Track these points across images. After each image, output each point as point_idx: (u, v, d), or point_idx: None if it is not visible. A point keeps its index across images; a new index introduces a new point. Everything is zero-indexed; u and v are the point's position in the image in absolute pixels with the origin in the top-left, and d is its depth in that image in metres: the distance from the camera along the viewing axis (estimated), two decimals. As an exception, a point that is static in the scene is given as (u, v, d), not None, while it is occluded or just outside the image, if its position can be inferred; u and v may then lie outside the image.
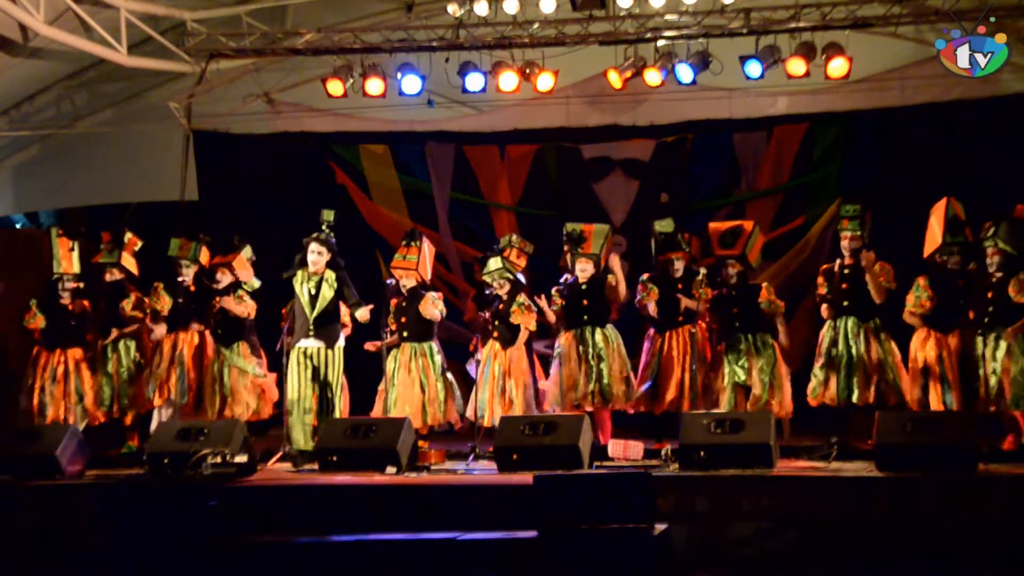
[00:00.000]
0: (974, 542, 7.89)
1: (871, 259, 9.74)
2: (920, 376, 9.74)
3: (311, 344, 10.26)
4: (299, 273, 10.32)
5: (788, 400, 10.10)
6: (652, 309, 10.60)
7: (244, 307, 10.86)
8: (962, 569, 7.78)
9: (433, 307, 10.51)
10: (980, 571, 7.77)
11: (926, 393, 9.69)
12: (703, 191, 12.85)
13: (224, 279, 10.97)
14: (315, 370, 10.24)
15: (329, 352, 10.29)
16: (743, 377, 10.05)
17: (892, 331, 9.94)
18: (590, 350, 10.35)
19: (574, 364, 10.35)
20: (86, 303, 11.21)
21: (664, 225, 10.63)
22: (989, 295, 9.57)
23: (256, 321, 11.09)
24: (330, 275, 10.32)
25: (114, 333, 11.09)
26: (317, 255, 10.28)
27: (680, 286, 10.51)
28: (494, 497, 8.59)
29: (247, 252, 11.10)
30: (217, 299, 10.85)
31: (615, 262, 10.50)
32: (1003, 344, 9.44)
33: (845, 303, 9.87)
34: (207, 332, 10.98)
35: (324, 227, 10.37)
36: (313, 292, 10.28)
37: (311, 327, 10.24)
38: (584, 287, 10.49)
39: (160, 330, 10.96)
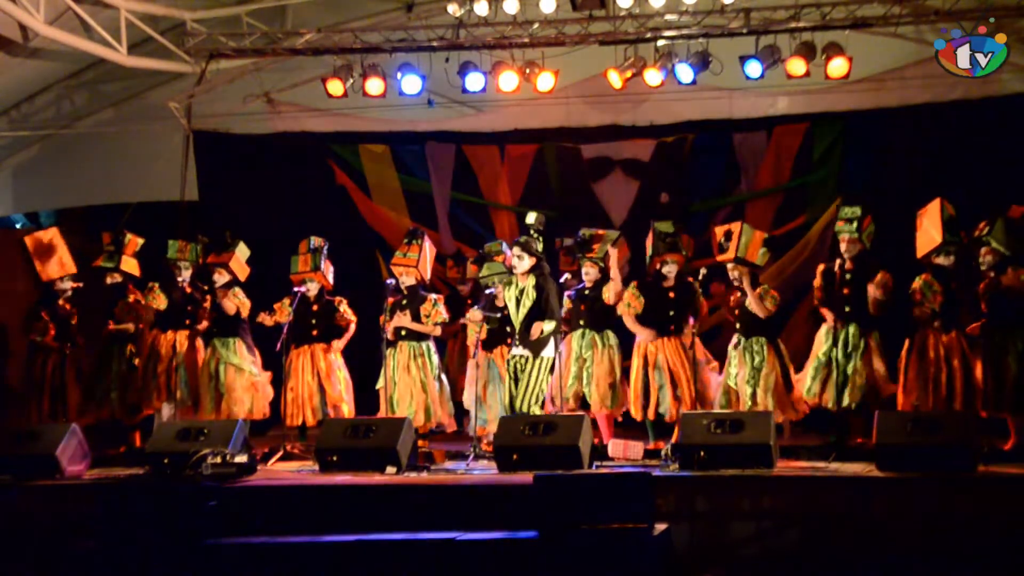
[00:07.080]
0: (974, 542, 7.89)
1: (876, 294, 9.71)
2: (905, 377, 9.71)
3: (517, 353, 9.93)
4: (510, 278, 10.02)
5: (796, 400, 10.07)
6: (630, 324, 10.36)
7: (233, 303, 10.86)
8: (962, 569, 7.79)
9: (436, 315, 10.52)
10: (980, 571, 7.77)
11: (916, 395, 9.67)
12: (703, 191, 12.85)
13: (221, 279, 10.98)
14: (517, 379, 9.88)
15: (535, 362, 9.87)
16: (749, 380, 10.01)
17: (889, 336, 9.92)
18: (582, 353, 10.30)
19: (567, 367, 10.31)
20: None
21: (664, 226, 10.51)
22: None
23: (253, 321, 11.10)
24: (531, 282, 9.96)
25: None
26: (517, 259, 9.92)
27: (672, 295, 10.29)
28: (494, 497, 8.58)
29: (242, 250, 11.11)
30: (210, 295, 10.86)
31: (612, 259, 10.26)
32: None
33: (846, 308, 9.80)
34: (200, 332, 11.00)
35: (531, 231, 10.13)
36: (517, 297, 9.97)
37: (517, 336, 9.93)
38: (587, 292, 10.47)
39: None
